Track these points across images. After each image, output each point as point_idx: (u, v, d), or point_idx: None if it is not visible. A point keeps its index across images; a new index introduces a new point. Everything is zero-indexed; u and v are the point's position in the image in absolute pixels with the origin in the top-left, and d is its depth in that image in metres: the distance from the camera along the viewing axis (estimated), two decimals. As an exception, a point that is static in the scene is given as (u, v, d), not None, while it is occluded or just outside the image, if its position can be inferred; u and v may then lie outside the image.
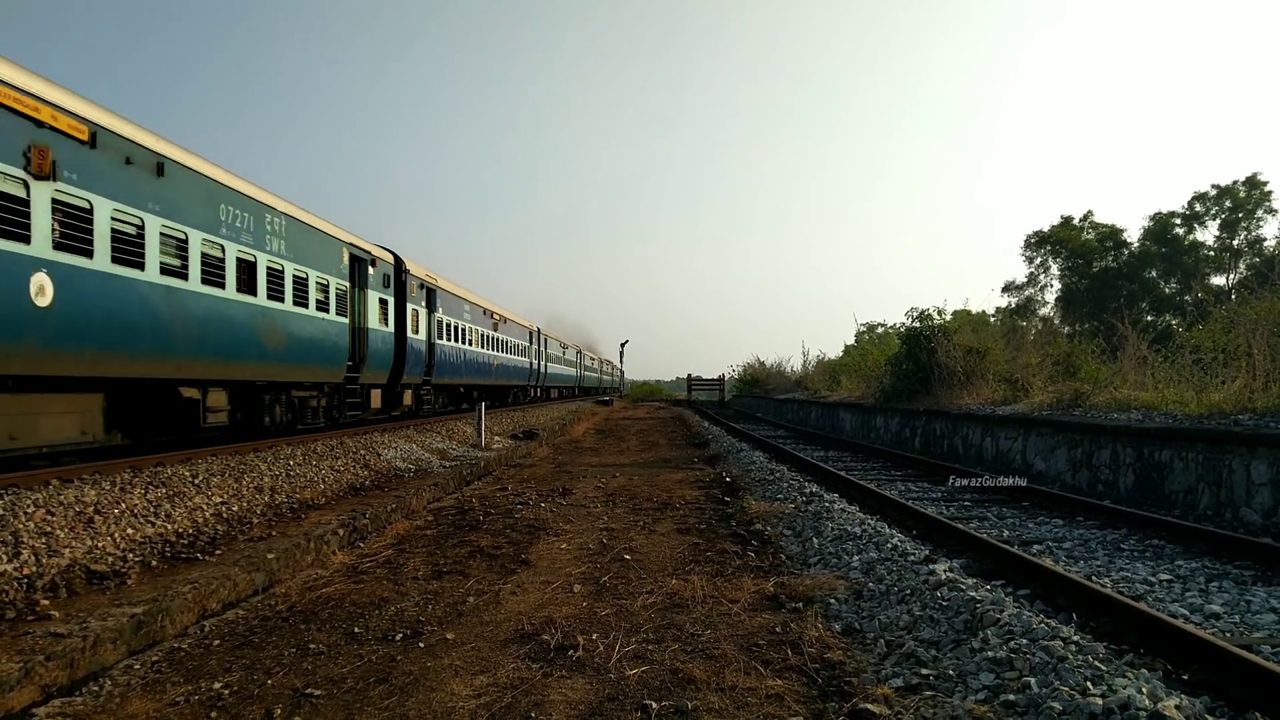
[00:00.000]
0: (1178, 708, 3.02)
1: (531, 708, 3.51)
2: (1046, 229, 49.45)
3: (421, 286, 19.09)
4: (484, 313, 26.18)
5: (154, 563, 5.99)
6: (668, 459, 14.66)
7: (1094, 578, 5.94)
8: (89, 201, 7.83)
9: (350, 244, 15.01)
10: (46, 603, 4.89)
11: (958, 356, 17.81)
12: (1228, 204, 43.84)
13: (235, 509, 7.92)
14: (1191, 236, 45.33)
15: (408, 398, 18.80)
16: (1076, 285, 47.58)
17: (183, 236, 9.49)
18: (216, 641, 4.51)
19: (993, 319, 26.80)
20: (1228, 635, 4.63)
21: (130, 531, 6.53)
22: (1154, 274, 46.05)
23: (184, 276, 9.50)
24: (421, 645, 4.38)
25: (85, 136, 7.76)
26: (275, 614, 5.03)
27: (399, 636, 4.52)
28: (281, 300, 12.06)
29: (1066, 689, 3.23)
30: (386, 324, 16.69)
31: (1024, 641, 3.78)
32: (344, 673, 3.98)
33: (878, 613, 4.74)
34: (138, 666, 4.13)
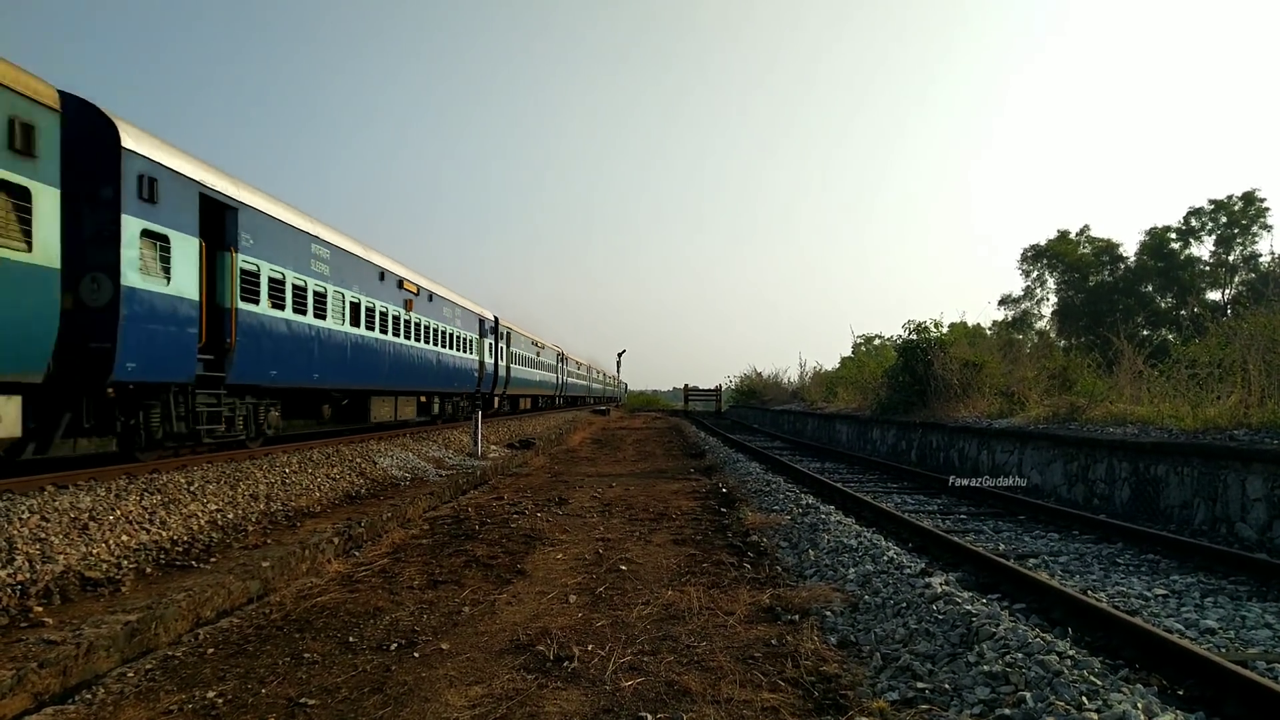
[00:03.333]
0: (1173, 723, 3.03)
1: (526, 719, 3.51)
2: (1043, 243, 49.64)
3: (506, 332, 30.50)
4: (532, 343, 36.32)
5: (149, 570, 5.97)
6: (664, 469, 14.65)
7: (1090, 592, 5.94)
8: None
9: (479, 313, 25.61)
10: (40, 609, 4.87)
11: (954, 369, 17.84)
12: (1224, 219, 43.97)
13: (231, 516, 7.89)
14: (1187, 251, 45.44)
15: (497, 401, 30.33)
16: (1073, 299, 47.70)
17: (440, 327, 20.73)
18: (211, 650, 4.50)
19: (989, 332, 26.87)
20: (1223, 651, 4.64)
21: (125, 538, 6.51)
22: (1150, 288, 46.17)
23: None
24: (416, 655, 4.36)
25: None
26: (270, 622, 5.01)
27: (394, 646, 4.51)
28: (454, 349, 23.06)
29: (1062, 704, 3.24)
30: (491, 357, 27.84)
31: (1020, 656, 3.78)
32: (338, 682, 3.97)
33: (874, 626, 4.73)
34: (131, 674, 4.11)
